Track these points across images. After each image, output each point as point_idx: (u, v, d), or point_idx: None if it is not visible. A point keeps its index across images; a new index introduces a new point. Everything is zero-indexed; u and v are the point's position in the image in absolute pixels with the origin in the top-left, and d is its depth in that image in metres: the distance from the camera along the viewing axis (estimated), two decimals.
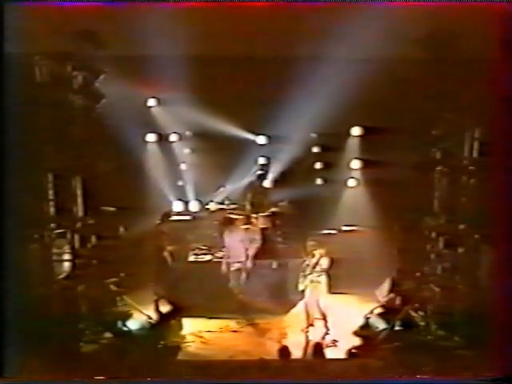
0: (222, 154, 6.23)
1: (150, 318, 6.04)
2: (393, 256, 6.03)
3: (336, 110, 5.95)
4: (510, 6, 5.70)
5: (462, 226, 5.89)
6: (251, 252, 6.37)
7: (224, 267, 6.30)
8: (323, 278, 6.15)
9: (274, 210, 6.33)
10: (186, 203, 6.31)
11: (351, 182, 6.13)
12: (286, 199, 6.32)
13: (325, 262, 6.16)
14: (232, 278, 6.33)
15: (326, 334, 6.06)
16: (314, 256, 6.19)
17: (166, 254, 6.27)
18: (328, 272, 6.11)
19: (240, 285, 6.32)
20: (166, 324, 6.05)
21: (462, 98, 5.83)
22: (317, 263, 6.19)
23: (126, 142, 5.97)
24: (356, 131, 6.07)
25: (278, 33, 5.86)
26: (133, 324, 6.01)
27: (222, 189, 6.46)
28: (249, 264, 6.33)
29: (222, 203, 6.43)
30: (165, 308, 6.15)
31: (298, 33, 5.86)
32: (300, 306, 6.00)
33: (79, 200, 5.98)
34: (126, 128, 5.95)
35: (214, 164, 6.28)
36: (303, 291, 6.20)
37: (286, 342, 5.95)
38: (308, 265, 6.22)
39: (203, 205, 6.37)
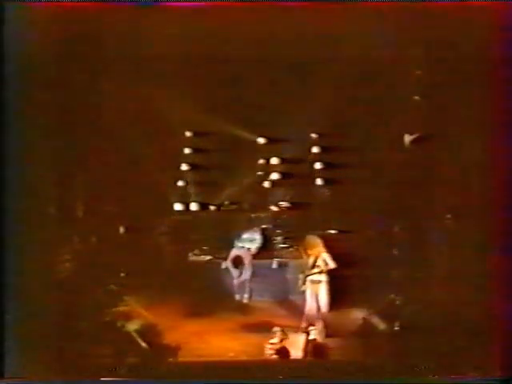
0: (222, 154, 6.39)
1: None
2: (393, 256, 6.23)
3: (336, 110, 6.19)
4: (510, 6, 5.96)
5: (462, 226, 6.15)
6: (252, 252, 6.57)
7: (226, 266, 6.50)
8: (323, 278, 6.37)
9: (274, 209, 6.51)
10: (187, 203, 6.49)
11: (351, 182, 6.33)
12: (287, 199, 6.50)
13: (324, 262, 6.38)
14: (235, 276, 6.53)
15: (327, 334, 6.27)
16: (313, 256, 6.42)
17: (165, 254, 6.47)
18: (328, 272, 6.32)
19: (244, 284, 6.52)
20: (166, 324, 6.23)
21: (461, 98, 6.10)
22: (316, 263, 6.41)
23: (126, 142, 6.20)
24: (356, 131, 6.26)
25: (280, 34, 6.10)
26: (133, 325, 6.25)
27: (222, 189, 6.61)
28: (251, 262, 6.52)
29: (222, 204, 6.60)
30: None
31: (300, 34, 6.09)
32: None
33: (79, 200, 6.23)
34: (126, 128, 6.18)
35: (214, 164, 6.43)
36: (303, 291, 6.42)
37: (285, 342, 6.18)
38: (308, 265, 6.44)
39: (203, 205, 6.53)
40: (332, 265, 6.33)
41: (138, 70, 6.16)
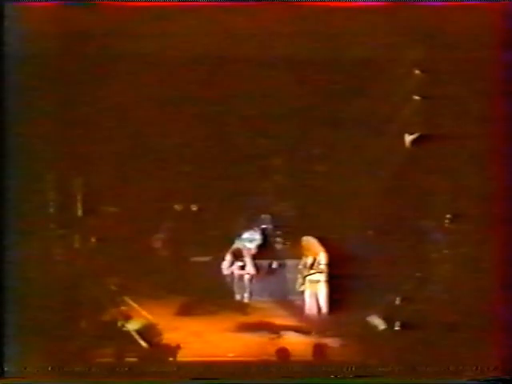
0: (222, 153, 6.41)
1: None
2: (393, 256, 6.26)
3: (336, 110, 6.22)
4: (511, 6, 5.99)
5: (462, 226, 6.18)
6: (252, 251, 6.60)
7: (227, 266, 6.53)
8: (322, 278, 6.40)
9: (274, 210, 6.55)
10: (187, 204, 6.51)
11: (351, 182, 6.36)
12: (286, 199, 6.53)
13: (323, 262, 6.41)
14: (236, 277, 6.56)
15: (327, 334, 6.30)
16: (311, 256, 6.45)
17: (166, 253, 6.51)
18: (327, 272, 6.35)
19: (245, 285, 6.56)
20: (166, 324, 6.26)
21: (461, 97, 6.13)
22: (314, 263, 6.44)
23: (126, 142, 6.22)
24: (356, 130, 6.29)
25: (280, 34, 6.12)
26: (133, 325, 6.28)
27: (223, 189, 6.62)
28: (252, 264, 6.56)
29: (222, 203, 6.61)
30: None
31: (300, 33, 6.12)
32: None
33: (79, 200, 6.25)
34: (127, 128, 6.20)
35: (215, 164, 6.45)
36: (302, 292, 6.45)
37: (284, 343, 6.21)
38: (306, 265, 6.47)
39: (204, 206, 6.55)
40: (324, 267, 6.37)
41: (137, 69, 6.17)
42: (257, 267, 6.55)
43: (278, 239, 6.62)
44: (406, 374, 5.91)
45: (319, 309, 6.38)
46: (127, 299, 6.29)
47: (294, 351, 6.13)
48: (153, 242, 6.47)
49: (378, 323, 6.22)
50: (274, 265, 6.60)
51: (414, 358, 5.97)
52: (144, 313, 6.33)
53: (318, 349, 6.11)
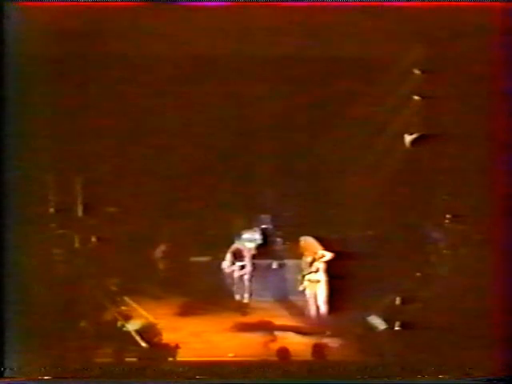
0: (222, 154, 6.42)
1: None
2: (393, 256, 6.27)
3: (336, 110, 6.23)
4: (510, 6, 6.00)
5: (462, 226, 6.20)
6: (252, 251, 6.62)
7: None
8: (322, 277, 6.41)
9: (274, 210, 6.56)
10: (187, 203, 6.52)
11: (351, 182, 6.37)
12: (287, 199, 6.54)
13: (322, 261, 6.42)
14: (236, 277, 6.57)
15: (327, 333, 6.31)
16: (310, 255, 6.46)
17: (164, 253, 6.52)
18: (326, 271, 6.36)
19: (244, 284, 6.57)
20: (165, 324, 6.27)
21: (461, 98, 6.14)
22: (313, 262, 6.45)
23: (127, 142, 6.23)
24: (356, 130, 6.30)
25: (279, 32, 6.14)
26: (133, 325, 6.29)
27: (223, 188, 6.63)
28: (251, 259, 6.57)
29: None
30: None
31: (301, 33, 6.14)
32: None
33: (79, 200, 6.27)
34: (127, 128, 6.21)
35: (214, 164, 6.46)
36: (302, 291, 6.46)
37: (284, 343, 6.22)
38: (305, 264, 6.48)
39: (203, 205, 6.56)
40: (329, 255, 6.37)
41: (136, 69, 6.18)
42: (255, 266, 6.56)
43: (278, 239, 6.63)
44: (406, 374, 5.93)
45: (318, 309, 6.39)
46: (127, 299, 6.30)
47: (294, 351, 6.15)
48: (154, 253, 6.48)
49: (378, 323, 6.23)
50: (274, 265, 6.62)
51: (414, 358, 5.98)
52: (144, 313, 6.35)
53: (318, 349, 6.13)
